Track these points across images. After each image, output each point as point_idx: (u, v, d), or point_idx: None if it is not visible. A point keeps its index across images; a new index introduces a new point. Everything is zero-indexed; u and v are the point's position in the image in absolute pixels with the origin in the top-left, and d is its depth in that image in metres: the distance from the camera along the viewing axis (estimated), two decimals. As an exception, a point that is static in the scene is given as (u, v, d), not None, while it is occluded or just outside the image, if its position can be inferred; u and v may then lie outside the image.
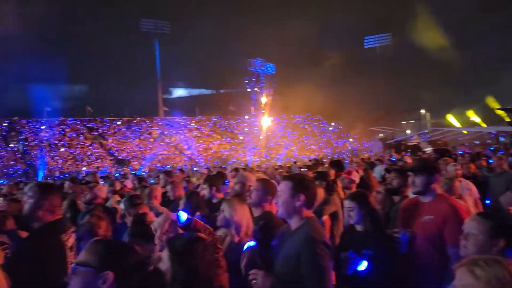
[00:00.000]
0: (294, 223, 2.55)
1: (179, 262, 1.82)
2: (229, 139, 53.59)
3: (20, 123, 48.96)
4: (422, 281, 2.89)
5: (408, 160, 10.45)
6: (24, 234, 4.25)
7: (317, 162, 12.70)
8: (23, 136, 46.96)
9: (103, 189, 5.66)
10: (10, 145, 44.86)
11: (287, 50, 57.31)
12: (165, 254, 1.89)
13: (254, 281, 2.34)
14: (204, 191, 4.84)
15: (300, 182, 2.57)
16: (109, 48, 54.86)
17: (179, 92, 67.81)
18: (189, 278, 1.79)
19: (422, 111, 58.79)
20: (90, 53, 55.91)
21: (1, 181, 23.00)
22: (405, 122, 58.25)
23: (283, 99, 59.35)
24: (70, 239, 2.91)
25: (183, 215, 2.45)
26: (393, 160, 12.29)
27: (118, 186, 6.95)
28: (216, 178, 5.26)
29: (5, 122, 48.22)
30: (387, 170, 7.31)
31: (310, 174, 7.97)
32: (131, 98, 55.99)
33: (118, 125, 53.08)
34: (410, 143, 33.28)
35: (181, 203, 4.31)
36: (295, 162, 20.38)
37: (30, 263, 2.67)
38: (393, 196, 4.28)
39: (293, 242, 2.46)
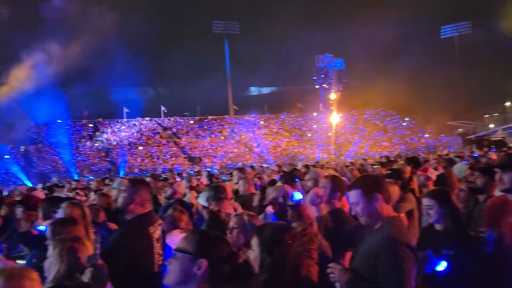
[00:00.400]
0: (377, 223, 2.49)
1: (267, 250, 1.90)
2: (298, 136, 53.45)
3: (104, 124, 52.95)
4: (510, 282, 2.72)
5: (493, 156, 9.72)
6: (113, 225, 4.65)
7: (389, 159, 12.30)
8: (106, 136, 50.79)
9: (181, 185, 6.00)
10: (95, 144, 48.74)
11: (357, 44, 55.62)
12: (254, 242, 1.98)
13: (332, 275, 2.37)
14: (279, 187, 4.92)
15: (371, 182, 2.51)
16: (182, 51, 57.23)
17: (248, 91, 68.92)
18: (277, 266, 1.85)
19: (507, 103, 54.14)
20: (164, 56, 58.74)
21: (91, 177, 25.01)
22: (488, 116, 54.05)
23: (353, 94, 57.82)
24: (157, 231, 3.12)
25: (298, 195, 2.55)
26: (475, 156, 11.50)
27: (194, 182, 7.30)
28: (290, 175, 5.33)
29: (91, 123, 52.48)
30: (472, 168, 6.86)
31: (383, 171, 7.75)
32: (203, 97, 57.93)
33: (191, 124, 55.28)
34: (493, 138, 30.92)
35: (255, 198, 4.42)
36: (365, 159, 19.86)
37: (122, 253, 2.88)
38: (477, 195, 4.03)
39: (373, 241, 2.42)
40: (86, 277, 2.01)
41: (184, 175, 11.35)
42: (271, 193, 2.71)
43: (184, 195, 6.08)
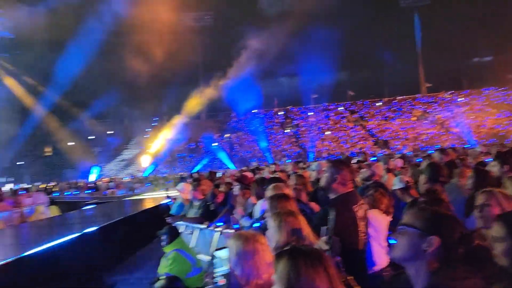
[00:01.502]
0: None
1: None
2: (508, 112, 45.80)
3: (293, 112, 56.07)
4: None
5: None
6: (313, 204, 4.88)
7: None
8: (295, 122, 53.74)
9: (380, 167, 5.85)
10: (286, 131, 52.17)
11: None
12: (500, 232, 1.75)
13: None
14: (493, 169, 4.32)
15: None
16: (369, 31, 55.21)
17: (443, 66, 62.15)
18: None
19: None
20: (351, 38, 57.85)
21: (288, 161, 26.81)
22: None
23: None
24: (360, 210, 3.13)
25: None
26: None
27: (391, 165, 7.03)
28: (508, 155, 4.60)
29: (282, 112, 56.28)
30: None
31: None
32: (391, 78, 55.00)
33: (378, 106, 53.53)
34: None
35: (469, 181, 3.98)
36: None
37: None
38: None
39: None
40: (321, 246, 2.14)
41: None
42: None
43: (382, 177, 5.92)
